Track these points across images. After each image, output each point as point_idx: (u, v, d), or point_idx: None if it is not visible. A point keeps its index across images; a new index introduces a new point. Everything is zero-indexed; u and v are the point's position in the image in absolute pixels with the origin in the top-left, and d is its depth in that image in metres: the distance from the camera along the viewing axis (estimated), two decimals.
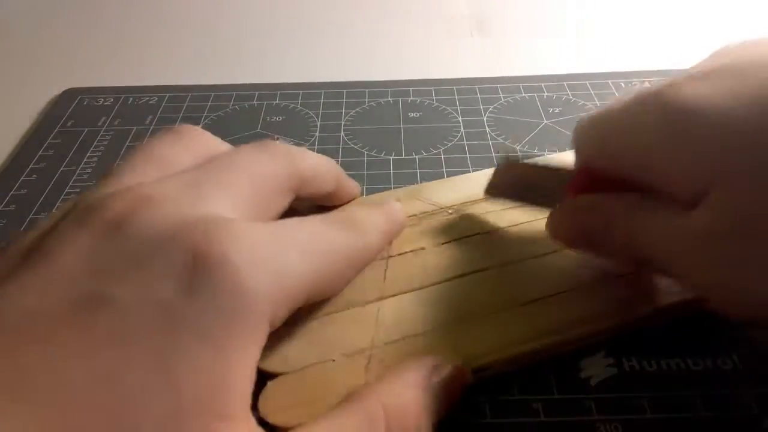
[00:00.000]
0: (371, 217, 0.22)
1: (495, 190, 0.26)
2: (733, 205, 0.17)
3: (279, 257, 0.17)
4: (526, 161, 0.25)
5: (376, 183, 0.30)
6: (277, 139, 0.33)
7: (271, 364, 0.20)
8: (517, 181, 0.25)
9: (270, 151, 0.21)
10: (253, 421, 0.15)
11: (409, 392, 0.17)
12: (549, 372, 0.21)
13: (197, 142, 0.21)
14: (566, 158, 0.24)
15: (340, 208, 0.26)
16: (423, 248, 0.24)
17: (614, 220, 0.20)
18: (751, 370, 0.21)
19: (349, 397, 0.18)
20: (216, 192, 0.18)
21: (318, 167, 0.23)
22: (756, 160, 0.16)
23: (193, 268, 0.15)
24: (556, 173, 0.23)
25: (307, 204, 0.26)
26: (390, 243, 0.24)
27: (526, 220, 0.25)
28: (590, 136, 0.21)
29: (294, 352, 0.20)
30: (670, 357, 0.21)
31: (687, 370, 0.21)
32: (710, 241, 0.17)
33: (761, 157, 0.16)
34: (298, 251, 0.17)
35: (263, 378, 0.19)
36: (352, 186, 0.26)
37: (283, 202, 0.21)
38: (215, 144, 0.22)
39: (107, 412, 0.13)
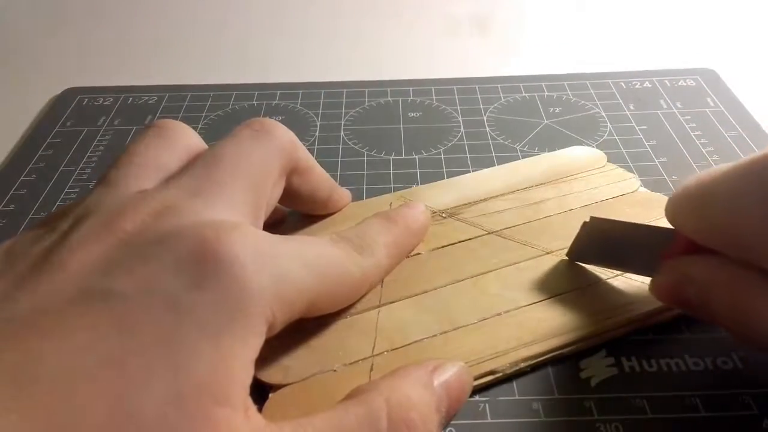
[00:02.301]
0: (383, 236, 0.22)
1: (580, 253, 0.24)
2: None
3: (282, 265, 0.17)
4: (614, 221, 0.23)
5: (376, 183, 0.30)
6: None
7: (273, 377, 0.20)
8: (605, 243, 0.23)
9: (260, 136, 0.21)
10: (252, 409, 0.16)
11: (412, 388, 0.18)
12: (549, 372, 0.21)
13: (179, 138, 0.21)
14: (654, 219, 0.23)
15: (336, 216, 0.26)
16: (419, 253, 0.24)
17: (710, 289, 0.19)
18: (751, 370, 0.21)
19: (351, 393, 0.18)
20: (217, 199, 0.19)
21: (315, 163, 0.24)
22: None
23: (202, 263, 0.16)
24: (650, 236, 0.21)
25: (297, 215, 0.26)
26: (405, 256, 0.24)
27: (521, 222, 0.25)
28: (687, 211, 0.19)
29: (295, 363, 0.20)
30: (670, 357, 0.21)
31: (688, 371, 0.21)
32: None
33: None
34: (302, 264, 0.18)
35: (265, 391, 0.19)
36: (344, 195, 0.27)
37: (277, 191, 0.22)
38: (196, 139, 0.22)
39: (111, 395, 0.14)
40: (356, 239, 0.21)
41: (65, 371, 0.14)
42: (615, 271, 0.23)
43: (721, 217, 0.18)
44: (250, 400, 0.16)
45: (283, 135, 0.22)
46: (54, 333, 0.14)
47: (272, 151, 0.21)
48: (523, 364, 0.20)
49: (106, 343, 0.14)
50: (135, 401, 0.14)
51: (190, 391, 0.14)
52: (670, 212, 0.20)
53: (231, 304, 0.16)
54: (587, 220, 0.23)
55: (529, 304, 0.22)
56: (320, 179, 0.24)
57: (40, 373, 0.14)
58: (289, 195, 0.23)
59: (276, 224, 0.25)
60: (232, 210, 0.19)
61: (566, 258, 0.24)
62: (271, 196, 0.21)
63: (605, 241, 0.23)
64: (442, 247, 0.24)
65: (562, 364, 0.21)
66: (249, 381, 0.16)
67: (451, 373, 0.19)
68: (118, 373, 0.14)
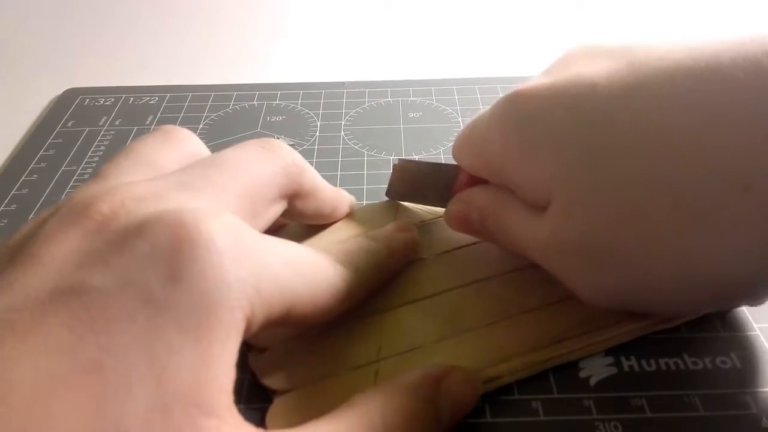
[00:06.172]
0: (368, 256, 0.21)
1: (393, 192, 0.27)
2: (568, 218, 0.18)
3: (263, 258, 0.16)
4: (418, 162, 0.27)
5: (376, 183, 0.30)
6: (279, 138, 0.33)
7: (278, 382, 0.19)
8: (412, 183, 0.26)
9: (266, 152, 0.20)
10: (239, 417, 0.15)
11: (408, 400, 0.17)
12: (548, 371, 0.21)
13: (183, 144, 0.21)
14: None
15: (339, 222, 0.26)
16: (424, 258, 0.24)
17: (486, 213, 0.22)
18: (750, 369, 0.21)
19: (347, 402, 0.17)
20: (204, 193, 0.18)
21: (318, 184, 0.23)
22: (584, 174, 0.18)
23: (178, 251, 0.15)
24: (446, 173, 0.25)
25: (296, 223, 0.25)
26: (390, 277, 0.23)
27: None
28: (460, 146, 0.23)
29: (300, 368, 0.20)
30: (670, 357, 0.21)
31: (686, 370, 0.21)
32: (551, 247, 0.19)
33: (589, 171, 0.18)
34: (284, 262, 0.17)
35: (270, 396, 0.19)
36: (347, 203, 0.26)
37: (275, 209, 0.21)
38: (201, 147, 0.21)
39: (92, 402, 0.13)
40: (340, 254, 0.20)
41: (42, 376, 0.13)
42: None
43: (479, 146, 0.22)
44: (234, 407, 0.15)
45: (288, 157, 0.21)
46: (29, 334, 0.13)
47: (275, 168, 0.20)
48: (524, 373, 0.20)
49: (83, 344, 0.13)
50: (116, 410, 0.13)
51: (175, 399, 0.13)
52: (454, 151, 0.24)
53: (208, 300, 0.14)
54: (396, 162, 0.27)
55: (535, 309, 0.22)
56: (324, 200, 0.23)
57: (15, 377, 0.13)
58: (291, 216, 0.23)
59: (276, 230, 0.25)
60: (215, 204, 0.18)
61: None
62: (266, 214, 0.20)
63: (412, 180, 0.26)
64: (448, 251, 0.24)
65: (561, 364, 0.21)
66: (231, 386, 0.15)
67: (456, 381, 0.18)
68: (97, 379, 0.13)
